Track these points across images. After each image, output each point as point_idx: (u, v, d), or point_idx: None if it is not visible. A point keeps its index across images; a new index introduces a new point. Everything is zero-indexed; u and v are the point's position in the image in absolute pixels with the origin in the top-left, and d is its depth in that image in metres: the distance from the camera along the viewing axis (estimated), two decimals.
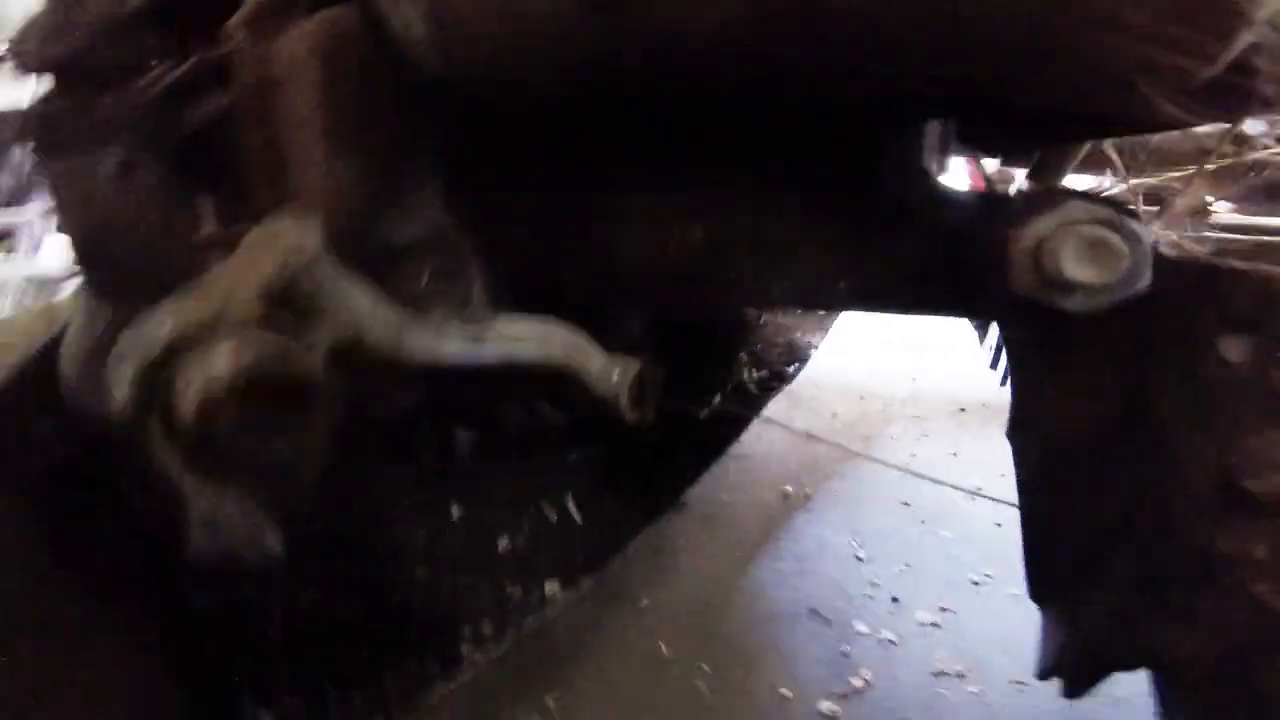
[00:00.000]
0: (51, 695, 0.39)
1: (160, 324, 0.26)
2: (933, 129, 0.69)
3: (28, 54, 0.25)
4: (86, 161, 0.26)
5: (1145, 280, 0.44)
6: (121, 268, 0.27)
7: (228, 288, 0.27)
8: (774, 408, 1.21)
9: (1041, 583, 0.59)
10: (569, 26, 0.48)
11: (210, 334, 0.26)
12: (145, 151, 0.26)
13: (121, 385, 0.27)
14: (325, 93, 0.56)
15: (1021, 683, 1.00)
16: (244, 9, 0.61)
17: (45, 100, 0.26)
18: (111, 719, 0.42)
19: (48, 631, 0.41)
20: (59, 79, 0.25)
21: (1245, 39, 0.35)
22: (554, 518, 0.87)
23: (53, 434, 0.44)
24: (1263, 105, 0.38)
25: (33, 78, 0.26)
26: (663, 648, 1.05)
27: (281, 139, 0.51)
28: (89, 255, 0.27)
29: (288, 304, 0.32)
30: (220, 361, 0.25)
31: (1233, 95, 0.38)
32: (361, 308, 0.38)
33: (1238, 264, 0.44)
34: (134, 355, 0.27)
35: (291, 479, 0.30)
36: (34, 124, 0.28)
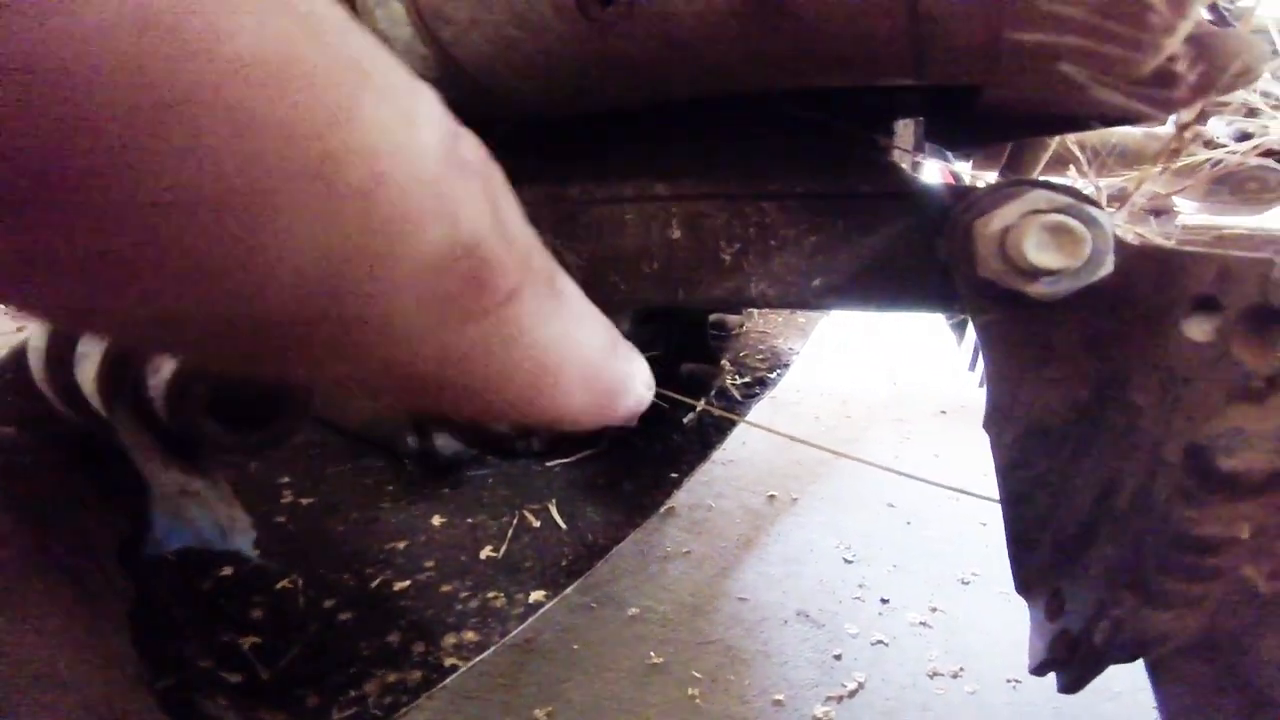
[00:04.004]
0: (32, 683, 0.38)
1: None
2: (904, 126, 0.70)
3: None
4: None
5: (1108, 266, 0.46)
6: None
7: None
8: (757, 413, 1.21)
9: (1025, 573, 0.60)
10: (567, 24, 0.49)
11: None
12: None
13: (90, 372, 0.26)
14: None
15: (1016, 680, 1.01)
16: None
17: None
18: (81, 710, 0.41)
19: (22, 622, 0.40)
20: None
21: (1171, 31, 0.36)
22: (537, 524, 0.87)
23: (18, 434, 0.44)
24: (1192, 92, 0.39)
25: None
26: (653, 655, 1.05)
27: None
28: None
29: None
30: None
31: (1169, 83, 0.39)
32: None
33: (1197, 248, 0.45)
34: (103, 345, 0.26)
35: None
36: None
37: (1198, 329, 0.43)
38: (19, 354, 0.52)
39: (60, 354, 0.28)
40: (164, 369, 0.25)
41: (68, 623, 0.45)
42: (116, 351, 0.26)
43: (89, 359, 0.26)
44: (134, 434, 0.25)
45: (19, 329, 0.66)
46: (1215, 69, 0.39)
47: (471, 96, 0.61)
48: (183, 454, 0.27)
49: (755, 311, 1.39)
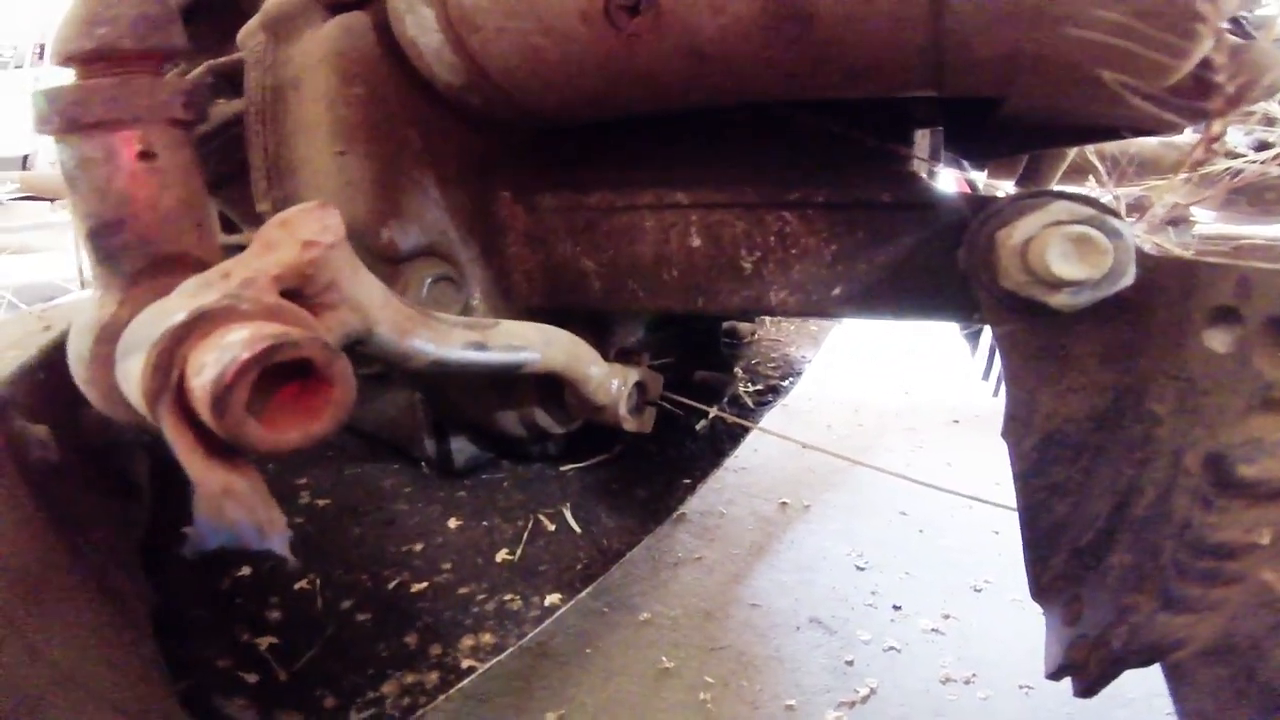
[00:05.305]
0: (62, 685, 0.39)
1: (174, 311, 0.27)
2: (922, 136, 0.71)
3: (60, 48, 0.26)
4: (107, 144, 0.26)
5: (1129, 277, 0.46)
6: (136, 255, 0.28)
7: (246, 275, 0.28)
8: (770, 420, 1.21)
9: (1042, 579, 0.60)
10: (594, 33, 0.50)
11: (225, 320, 0.27)
12: (165, 140, 0.27)
13: (133, 372, 0.27)
14: (335, 96, 0.57)
15: (1029, 686, 1.00)
16: (259, 15, 0.62)
17: (67, 86, 0.27)
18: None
19: (52, 622, 0.41)
20: (85, 69, 0.26)
21: (1210, 36, 0.36)
22: (552, 527, 0.87)
23: (50, 434, 0.44)
24: (1228, 102, 0.40)
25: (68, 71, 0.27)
26: (665, 660, 1.05)
27: (291, 142, 0.52)
28: (103, 242, 0.28)
29: (304, 292, 0.33)
30: (235, 346, 0.26)
31: (1202, 92, 0.39)
32: (373, 301, 0.39)
33: (1217, 259, 0.45)
34: (148, 342, 0.27)
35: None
36: (55, 106, 0.29)
37: (1218, 340, 0.43)
38: (50, 353, 0.54)
39: (103, 354, 0.28)
40: (206, 371, 0.26)
41: (95, 623, 0.46)
42: (165, 346, 0.26)
43: (132, 358, 0.27)
44: (178, 433, 0.26)
45: (45, 328, 0.67)
46: (1253, 80, 0.39)
47: (496, 103, 0.62)
48: (224, 454, 0.27)
49: (768, 319, 1.39)
